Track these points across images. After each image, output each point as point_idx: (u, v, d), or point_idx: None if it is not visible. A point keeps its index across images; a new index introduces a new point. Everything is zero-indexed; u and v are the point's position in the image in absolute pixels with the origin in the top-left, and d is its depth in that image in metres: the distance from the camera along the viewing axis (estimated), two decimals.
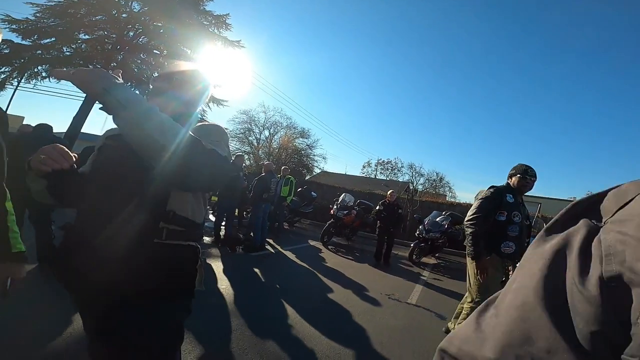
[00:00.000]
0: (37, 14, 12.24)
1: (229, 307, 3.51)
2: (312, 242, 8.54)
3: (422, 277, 6.48)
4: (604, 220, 0.36)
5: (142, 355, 1.07)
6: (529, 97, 62.32)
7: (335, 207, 9.07)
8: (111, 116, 0.94)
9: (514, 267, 3.28)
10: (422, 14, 65.30)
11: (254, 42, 46.92)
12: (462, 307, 3.39)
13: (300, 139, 24.92)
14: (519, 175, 3.15)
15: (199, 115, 1.42)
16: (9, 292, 1.37)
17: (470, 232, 3.03)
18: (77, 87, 0.94)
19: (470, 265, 3.10)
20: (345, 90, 62.29)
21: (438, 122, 60.29)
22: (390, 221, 7.29)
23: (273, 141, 24.67)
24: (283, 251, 6.90)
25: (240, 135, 24.38)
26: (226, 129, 18.04)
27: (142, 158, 0.98)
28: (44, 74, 12.65)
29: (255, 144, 24.35)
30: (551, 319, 0.32)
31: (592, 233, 0.35)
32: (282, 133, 24.73)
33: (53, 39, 12.30)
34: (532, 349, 0.32)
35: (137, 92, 1.07)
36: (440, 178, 31.78)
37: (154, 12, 12.96)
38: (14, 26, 11.95)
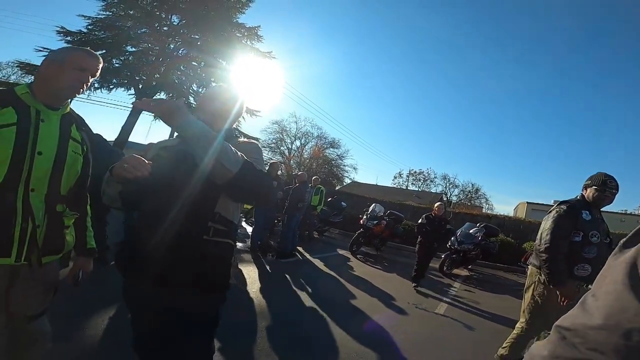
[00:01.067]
0: (89, 27, 13.45)
1: (257, 310, 3.68)
2: (340, 251, 8.64)
3: (452, 289, 6.38)
4: None
5: (194, 334, 1.28)
6: (574, 102, 59.15)
7: (365, 216, 9.14)
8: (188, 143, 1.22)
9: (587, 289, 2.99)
10: (454, 23, 64.25)
11: (285, 52, 48.15)
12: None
13: (331, 149, 25.27)
14: (595, 187, 2.72)
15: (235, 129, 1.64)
16: (79, 282, 1.63)
17: (546, 258, 2.62)
18: (158, 117, 1.19)
19: (531, 288, 2.81)
20: (377, 101, 62.31)
21: (474, 133, 58.64)
22: (435, 237, 6.37)
23: (304, 151, 25.15)
24: (312, 259, 7.06)
25: (272, 145, 25.11)
26: (258, 139, 18.57)
27: (194, 169, 1.21)
28: (96, 85, 13.76)
29: (287, 153, 24.92)
30: (636, 296, 0.49)
31: None
32: (312, 143, 25.19)
33: (104, 51, 13.40)
34: (626, 314, 0.49)
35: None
36: (476, 189, 30.97)
37: (191, 24, 13.92)
38: (68, 38, 13.17)
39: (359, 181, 28.96)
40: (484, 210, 22.98)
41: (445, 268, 7.81)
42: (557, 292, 2.63)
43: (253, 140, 1.55)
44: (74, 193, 1.51)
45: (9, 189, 1.27)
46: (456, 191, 30.07)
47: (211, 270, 1.30)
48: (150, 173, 1.19)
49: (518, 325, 2.89)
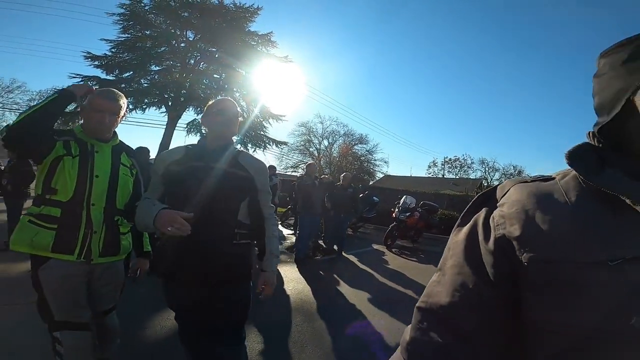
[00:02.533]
0: (112, 50, 14.28)
1: (292, 306, 3.78)
2: (375, 246, 8.57)
3: None
4: (497, 204, 0.57)
5: (232, 316, 1.62)
6: None
7: (396, 209, 9.01)
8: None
9: None
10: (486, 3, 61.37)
11: (302, 54, 48.69)
12: None
13: (360, 145, 25.06)
14: None
15: (239, 137, 1.79)
16: (137, 279, 1.98)
17: None
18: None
19: None
20: (402, 91, 60.91)
21: (511, 112, 55.71)
22: None
23: (332, 150, 25.17)
24: (346, 255, 7.07)
25: (301, 147, 25.31)
26: (287, 142, 18.84)
27: (218, 188, 1.54)
28: (130, 106, 14.64)
29: (316, 154, 25.05)
30: (473, 269, 0.53)
31: (489, 214, 0.56)
32: (340, 141, 25.14)
33: (131, 72, 14.20)
34: (466, 290, 0.53)
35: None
36: (519, 171, 29.37)
37: (206, 38, 14.43)
38: (96, 62, 14.07)
39: (391, 174, 28.54)
40: None
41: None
42: None
43: (259, 159, 1.77)
44: (129, 207, 1.81)
45: (76, 203, 1.63)
46: (497, 175, 28.68)
47: (240, 266, 1.62)
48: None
49: None
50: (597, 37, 52.82)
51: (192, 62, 15.22)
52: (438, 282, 0.57)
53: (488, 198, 0.59)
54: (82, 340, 1.65)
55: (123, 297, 1.96)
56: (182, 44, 14.95)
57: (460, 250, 0.56)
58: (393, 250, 8.17)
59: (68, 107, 1.74)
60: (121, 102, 1.78)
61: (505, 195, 0.55)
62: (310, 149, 25.32)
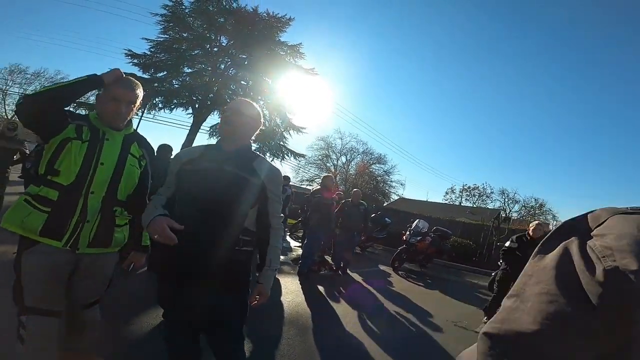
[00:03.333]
0: (152, 49, 14.93)
1: (287, 318, 3.71)
2: (382, 267, 8.40)
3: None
4: (591, 234, 0.54)
5: (234, 319, 1.61)
6: None
7: (407, 232, 8.85)
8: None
9: None
10: (510, 28, 61.14)
11: (328, 67, 49.11)
12: None
13: (377, 165, 24.94)
14: None
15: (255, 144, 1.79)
16: (129, 273, 1.93)
17: None
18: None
19: None
20: (424, 113, 60.71)
21: (534, 145, 54.47)
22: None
23: (349, 167, 25.13)
24: (351, 273, 6.94)
25: (318, 161, 25.40)
26: (305, 155, 19.01)
27: (227, 193, 1.51)
28: (160, 105, 15.14)
29: (333, 169, 25.05)
30: (570, 298, 0.50)
31: (582, 243, 0.54)
32: (358, 159, 25.09)
33: (165, 72, 14.77)
34: (559, 317, 0.49)
35: None
36: (540, 205, 28.44)
37: (238, 45, 14.89)
38: (135, 60, 14.74)
39: (407, 197, 28.19)
40: (550, 227, 21.01)
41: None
42: None
43: (275, 167, 1.71)
44: (132, 199, 1.80)
45: (76, 189, 1.59)
46: (516, 207, 27.82)
47: (238, 272, 1.59)
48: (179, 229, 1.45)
49: None
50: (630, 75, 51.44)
51: (223, 67, 15.72)
52: (515, 308, 0.55)
53: (576, 226, 0.57)
54: (47, 327, 1.58)
55: (115, 291, 1.94)
56: (215, 49, 15.50)
57: (550, 277, 0.54)
58: (400, 272, 7.98)
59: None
60: (138, 92, 1.77)
61: (604, 226, 0.54)
62: (328, 164, 25.39)
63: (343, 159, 25.54)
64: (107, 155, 1.67)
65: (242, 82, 15.73)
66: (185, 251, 1.47)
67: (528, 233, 4.84)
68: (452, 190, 30.67)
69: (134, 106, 1.78)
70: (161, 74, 15.08)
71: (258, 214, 1.62)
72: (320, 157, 25.47)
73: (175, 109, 15.54)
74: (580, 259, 0.52)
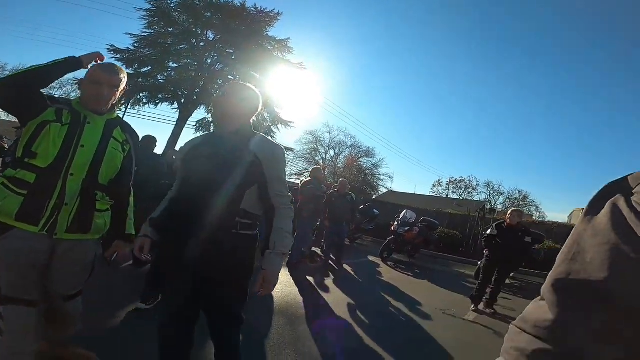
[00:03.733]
0: (135, 44, 14.59)
1: (276, 308, 3.71)
2: (371, 258, 8.48)
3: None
4: (633, 191, 0.58)
5: (232, 303, 1.60)
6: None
7: (395, 223, 8.94)
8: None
9: None
10: (503, 23, 61.68)
11: (316, 62, 48.72)
12: None
13: (366, 158, 25.05)
14: None
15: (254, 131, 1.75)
16: (112, 262, 1.90)
17: None
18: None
19: None
20: (413, 107, 60.98)
21: (520, 138, 55.41)
22: (509, 252, 4.92)
23: (338, 160, 25.18)
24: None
25: (307, 155, 25.37)
26: (293, 149, 19.04)
27: (221, 174, 1.50)
28: (144, 100, 14.83)
29: (322, 163, 25.05)
30: (633, 244, 0.51)
31: (628, 200, 0.56)
32: (347, 152, 25.16)
33: (149, 67, 14.47)
34: (625, 261, 0.51)
35: None
36: (524, 196, 29.11)
37: (225, 39, 14.67)
38: (118, 55, 14.39)
39: (395, 190, 28.43)
40: (534, 218, 21.49)
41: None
42: None
43: (276, 145, 1.67)
44: (114, 184, 1.75)
45: (54, 171, 1.54)
46: (501, 199, 28.42)
47: (239, 258, 1.55)
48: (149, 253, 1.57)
49: None
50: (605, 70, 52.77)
51: (209, 61, 15.49)
52: (574, 260, 0.58)
53: (620, 186, 0.61)
54: (26, 317, 1.53)
55: (101, 285, 1.90)
56: (202, 44, 15.24)
57: (607, 229, 0.56)
58: (388, 263, 8.06)
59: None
60: (121, 76, 1.73)
61: None
62: (316, 158, 25.38)
63: (331, 152, 25.59)
64: (88, 138, 1.62)
65: (230, 77, 15.51)
66: (183, 234, 1.48)
67: (506, 220, 5.08)
68: (439, 183, 31.01)
69: (117, 90, 1.73)
70: (145, 69, 14.76)
71: (260, 195, 1.57)
72: (308, 150, 25.46)
73: (160, 104, 15.24)
74: (630, 213, 0.55)
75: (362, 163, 24.82)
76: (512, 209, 5.60)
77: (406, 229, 8.69)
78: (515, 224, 4.95)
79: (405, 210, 9.39)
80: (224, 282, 1.53)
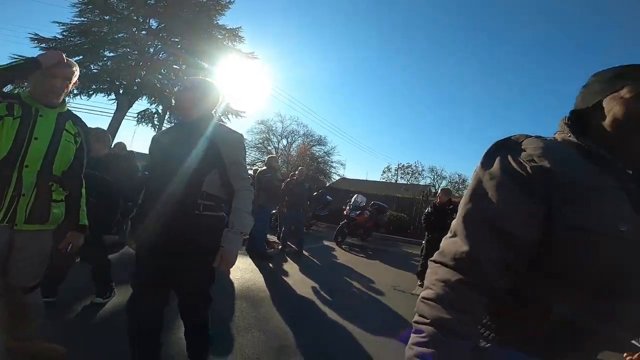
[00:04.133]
0: (64, 33, 13.31)
1: (238, 293, 3.81)
2: (326, 242, 8.78)
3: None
4: (515, 148, 0.77)
5: (196, 286, 1.70)
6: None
7: (347, 207, 9.31)
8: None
9: None
10: (445, 17, 64.56)
11: (267, 52, 47.84)
12: None
13: (318, 147, 25.33)
14: None
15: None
16: (66, 252, 1.89)
17: None
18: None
19: None
20: (363, 96, 62.44)
21: (460, 123, 59.20)
22: (442, 228, 5.17)
23: (291, 149, 25.20)
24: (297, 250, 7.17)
25: (259, 145, 25.07)
26: (245, 139, 19.07)
27: (181, 158, 1.60)
28: (75, 91, 13.63)
29: (274, 152, 24.92)
30: (517, 184, 0.72)
31: (512, 154, 0.75)
32: (299, 141, 25.24)
33: (81, 57, 13.27)
34: (512, 200, 0.73)
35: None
36: (463, 180, 31.41)
37: (170, 28, 13.86)
38: (43, 45, 13.04)
39: (348, 177, 29.17)
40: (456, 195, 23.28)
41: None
42: None
43: (233, 131, 1.77)
44: (67, 175, 1.81)
45: (8, 163, 1.58)
46: (444, 183, 30.37)
47: (204, 238, 1.62)
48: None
49: None
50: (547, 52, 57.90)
51: (152, 50, 14.55)
52: (477, 199, 0.75)
53: (505, 144, 0.79)
54: None
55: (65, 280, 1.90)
56: (144, 32, 14.22)
57: (498, 174, 0.74)
58: (343, 247, 8.42)
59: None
60: (74, 69, 1.79)
61: (523, 143, 0.76)
62: (269, 147, 25.17)
63: (284, 141, 25.51)
64: (41, 130, 1.68)
65: (175, 66, 14.75)
66: (151, 217, 1.58)
67: (437, 200, 5.60)
68: (389, 169, 32.41)
69: (70, 83, 1.77)
70: (77, 58, 13.48)
71: (221, 178, 1.67)
72: (260, 140, 25.15)
73: (94, 95, 14.08)
74: (515, 164, 0.73)
75: (315, 151, 25.08)
76: (441, 188, 6.20)
77: (357, 212, 9.10)
78: (446, 202, 5.43)
79: (356, 195, 9.80)
80: (190, 261, 1.62)
